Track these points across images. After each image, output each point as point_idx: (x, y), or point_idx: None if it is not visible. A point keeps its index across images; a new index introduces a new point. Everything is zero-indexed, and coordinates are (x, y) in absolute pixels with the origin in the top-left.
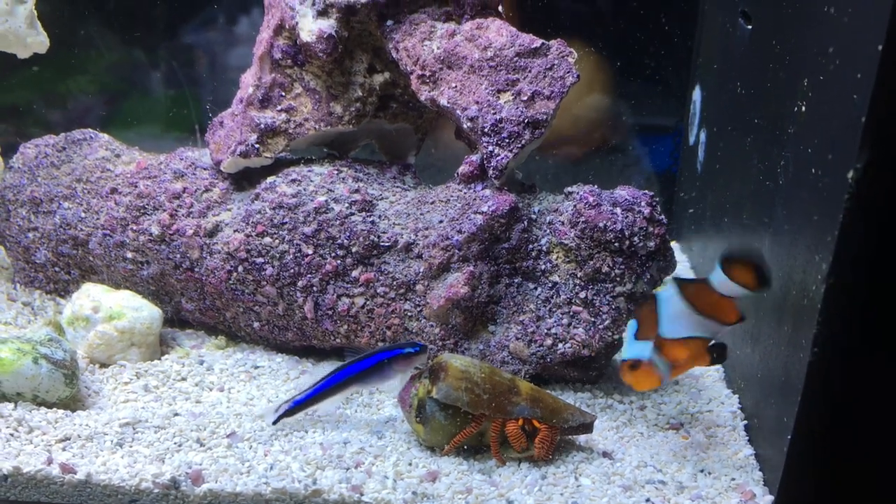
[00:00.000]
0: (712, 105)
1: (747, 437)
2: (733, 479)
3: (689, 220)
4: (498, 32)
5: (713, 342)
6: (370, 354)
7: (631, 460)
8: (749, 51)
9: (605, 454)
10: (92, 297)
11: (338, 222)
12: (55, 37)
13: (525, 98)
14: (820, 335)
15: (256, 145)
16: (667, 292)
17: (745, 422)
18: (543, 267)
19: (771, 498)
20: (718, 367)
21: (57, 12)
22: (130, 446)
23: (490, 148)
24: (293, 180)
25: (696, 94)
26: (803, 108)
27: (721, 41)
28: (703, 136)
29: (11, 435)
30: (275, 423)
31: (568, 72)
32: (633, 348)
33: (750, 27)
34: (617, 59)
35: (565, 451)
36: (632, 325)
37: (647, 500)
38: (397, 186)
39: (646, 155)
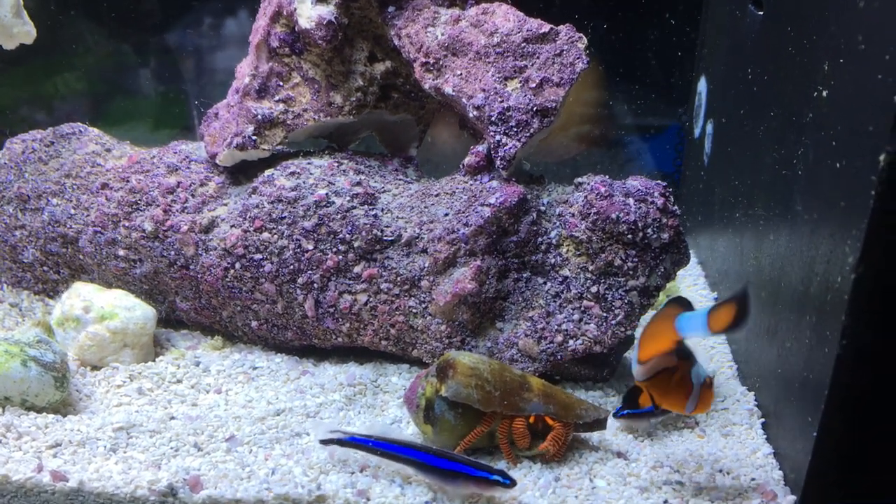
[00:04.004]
0: (720, 95)
1: (765, 436)
2: (753, 479)
3: (695, 215)
4: (505, 17)
5: None
6: (456, 458)
7: (646, 460)
8: (761, 37)
9: (620, 454)
10: (83, 296)
11: (339, 216)
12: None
13: (533, 85)
14: (848, 327)
15: (253, 137)
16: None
17: (763, 419)
18: (553, 261)
19: (794, 498)
20: (732, 363)
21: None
22: (125, 452)
23: (497, 137)
24: (292, 173)
25: (702, 86)
26: (824, 93)
27: (729, 29)
28: (709, 128)
29: None
30: (324, 442)
31: (577, 58)
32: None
33: (761, 13)
34: (617, 55)
35: (578, 451)
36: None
37: (665, 502)
38: (400, 179)
39: (647, 151)
